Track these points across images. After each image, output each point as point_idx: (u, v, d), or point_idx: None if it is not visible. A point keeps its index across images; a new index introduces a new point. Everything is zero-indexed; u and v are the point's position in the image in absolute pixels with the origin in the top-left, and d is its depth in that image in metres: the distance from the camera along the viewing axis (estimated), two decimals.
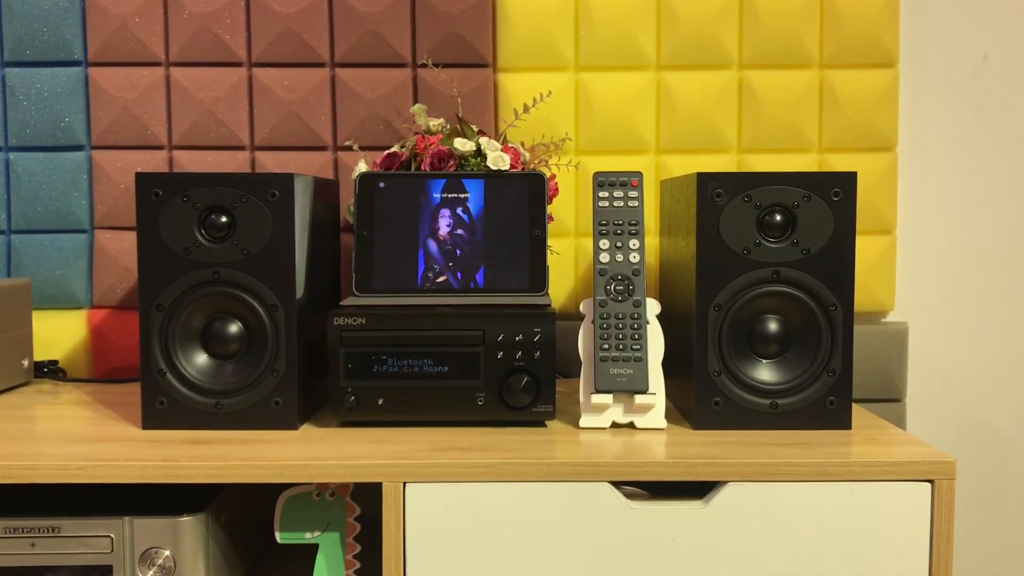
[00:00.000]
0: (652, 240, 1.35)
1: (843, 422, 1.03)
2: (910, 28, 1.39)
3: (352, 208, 1.17)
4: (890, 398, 1.39)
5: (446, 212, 1.15)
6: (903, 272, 1.41)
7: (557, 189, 1.26)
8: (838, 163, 1.37)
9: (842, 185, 1.02)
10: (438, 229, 1.14)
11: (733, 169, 1.38)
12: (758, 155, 1.38)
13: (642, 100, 1.37)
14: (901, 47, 1.38)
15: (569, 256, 1.38)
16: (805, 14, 1.36)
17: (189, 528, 0.97)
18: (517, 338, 1.04)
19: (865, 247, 1.34)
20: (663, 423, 1.04)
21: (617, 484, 0.93)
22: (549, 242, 1.17)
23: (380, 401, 1.04)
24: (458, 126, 1.25)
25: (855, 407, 1.08)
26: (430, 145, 1.20)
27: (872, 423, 1.08)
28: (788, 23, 1.36)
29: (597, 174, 1.08)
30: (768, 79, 1.37)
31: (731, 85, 1.37)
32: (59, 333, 1.38)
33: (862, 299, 1.35)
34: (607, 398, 1.03)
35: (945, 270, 1.41)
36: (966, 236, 1.41)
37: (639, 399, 1.03)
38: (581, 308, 1.08)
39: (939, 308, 1.42)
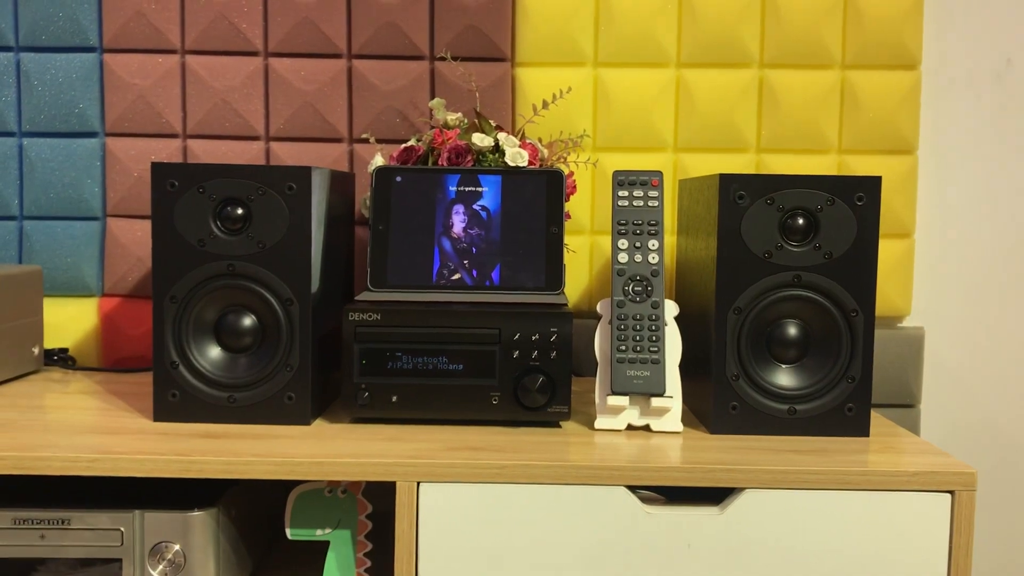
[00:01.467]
0: (668, 240, 1.34)
1: (862, 429, 1.02)
2: (933, 30, 1.37)
3: (368, 202, 1.16)
4: (904, 403, 1.37)
5: (463, 208, 1.14)
6: (920, 277, 1.39)
7: (575, 187, 1.25)
8: (858, 165, 1.36)
9: (866, 189, 1.01)
10: (454, 225, 1.13)
11: (752, 169, 1.36)
12: (777, 155, 1.36)
13: (661, 97, 1.35)
14: (924, 49, 1.36)
15: (584, 254, 1.37)
16: (828, 14, 1.34)
17: (199, 523, 0.96)
18: (533, 337, 1.03)
19: (883, 251, 1.33)
20: (679, 427, 1.03)
21: (632, 488, 0.92)
22: (565, 240, 1.15)
23: (394, 398, 1.03)
24: (476, 121, 1.24)
25: (872, 413, 1.06)
26: (448, 140, 1.19)
27: (890, 431, 1.07)
28: (810, 23, 1.34)
29: (617, 172, 1.07)
30: (789, 79, 1.35)
31: (751, 84, 1.36)
32: (69, 321, 1.37)
33: (879, 303, 1.33)
34: (623, 400, 1.02)
35: (963, 276, 1.40)
36: (985, 242, 1.40)
37: (655, 402, 1.02)
38: (598, 308, 1.06)
39: (956, 314, 1.40)
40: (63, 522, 0.95)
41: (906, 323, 1.40)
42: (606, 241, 1.36)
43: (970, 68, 1.38)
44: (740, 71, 1.35)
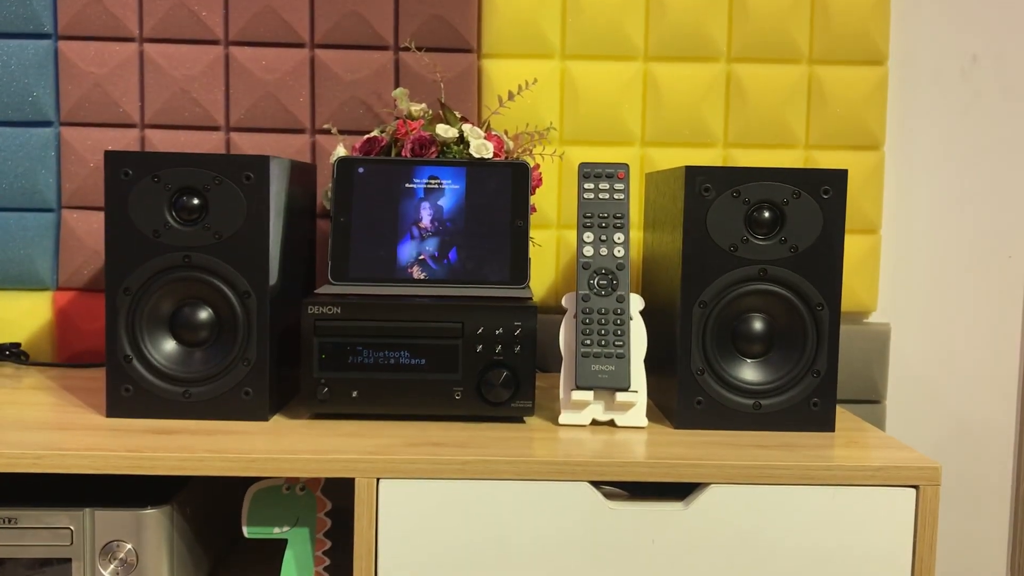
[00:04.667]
0: (635, 234, 1.33)
1: (827, 424, 1.02)
2: (900, 26, 1.37)
3: (329, 193, 1.14)
4: (870, 399, 1.37)
5: (426, 200, 1.12)
6: (887, 272, 1.39)
7: (541, 179, 1.24)
8: (824, 160, 1.35)
9: (832, 183, 1.00)
10: (418, 217, 1.11)
11: (719, 163, 1.36)
12: (744, 150, 1.36)
13: (628, 91, 1.34)
14: (891, 45, 1.36)
15: (550, 248, 1.36)
16: (795, 8, 1.33)
17: (153, 521, 0.93)
18: (497, 331, 1.01)
19: (849, 247, 1.32)
20: (644, 422, 1.02)
21: (596, 484, 0.90)
22: (531, 233, 1.14)
23: (354, 393, 1.01)
24: (440, 112, 1.22)
25: (837, 409, 1.06)
26: (411, 131, 1.17)
27: (855, 426, 1.07)
28: (778, 17, 1.33)
29: (582, 165, 1.05)
30: (756, 73, 1.34)
31: (719, 78, 1.35)
32: (23, 315, 1.34)
33: (845, 299, 1.34)
34: (588, 395, 1.01)
35: (929, 271, 1.40)
36: (951, 237, 1.40)
37: (620, 397, 1.00)
38: (563, 302, 1.05)
39: (922, 310, 1.41)
40: (10, 521, 0.92)
41: (872, 319, 1.40)
42: (573, 235, 1.35)
43: (936, 64, 1.38)
44: (708, 65, 1.35)
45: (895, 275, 1.40)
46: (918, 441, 1.40)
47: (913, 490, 0.90)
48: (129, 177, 0.99)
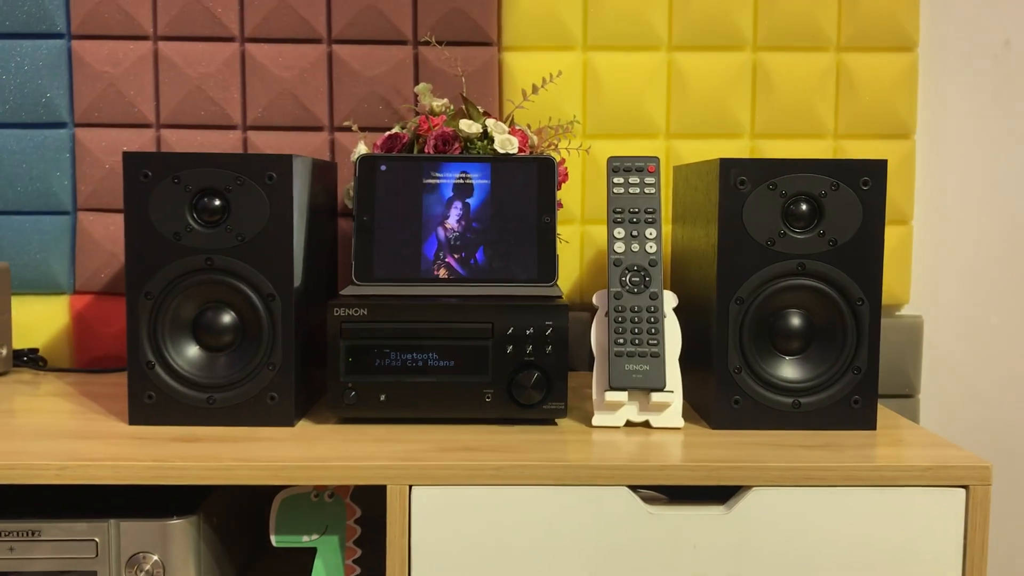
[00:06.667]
0: (663, 229, 1.30)
1: (868, 422, 0.99)
2: (930, 11, 1.34)
3: (351, 192, 1.11)
4: (904, 394, 1.34)
5: (451, 197, 1.09)
6: (919, 264, 1.36)
7: (567, 174, 1.21)
8: (854, 150, 1.32)
9: (871, 173, 0.97)
10: (443, 215, 1.09)
11: (746, 155, 1.33)
12: (772, 140, 1.32)
13: (653, 82, 1.31)
14: (921, 30, 1.33)
15: (576, 244, 1.33)
16: None
17: (179, 531, 0.91)
18: (528, 331, 0.98)
19: None
20: (680, 422, 0.99)
21: (634, 488, 0.88)
22: (557, 229, 1.11)
23: (382, 397, 0.99)
24: (463, 107, 1.19)
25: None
26: (434, 127, 1.14)
27: (897, 423, 1.04)
28: (804, 4, 1.30)
29: (612, 159, 1.03)
30: (783, 62, 1.31)
31: (745, 67, 1.32)
32: (39, 320, 1.32)
33: None
34: (622, 396, 0.98)
35: (962, 262, 1.37)
36: (984, 227, 1.37)
37: (656, 397, 0.98)
38: (594, 300, 1.02)
39: (955, 301, 1.37)
40: (33, 533, 0.90)
41: (905, 311, 1.37)
42: (597, 230, 1.32)
43: (968, 50, 1.35)
44: (733, 54, 1.31)
45: (927, 266, 1.37)
46: (953, 437, 1.37)
47: (963, 490, 0.87)
48: (149, 179, 0.97)
